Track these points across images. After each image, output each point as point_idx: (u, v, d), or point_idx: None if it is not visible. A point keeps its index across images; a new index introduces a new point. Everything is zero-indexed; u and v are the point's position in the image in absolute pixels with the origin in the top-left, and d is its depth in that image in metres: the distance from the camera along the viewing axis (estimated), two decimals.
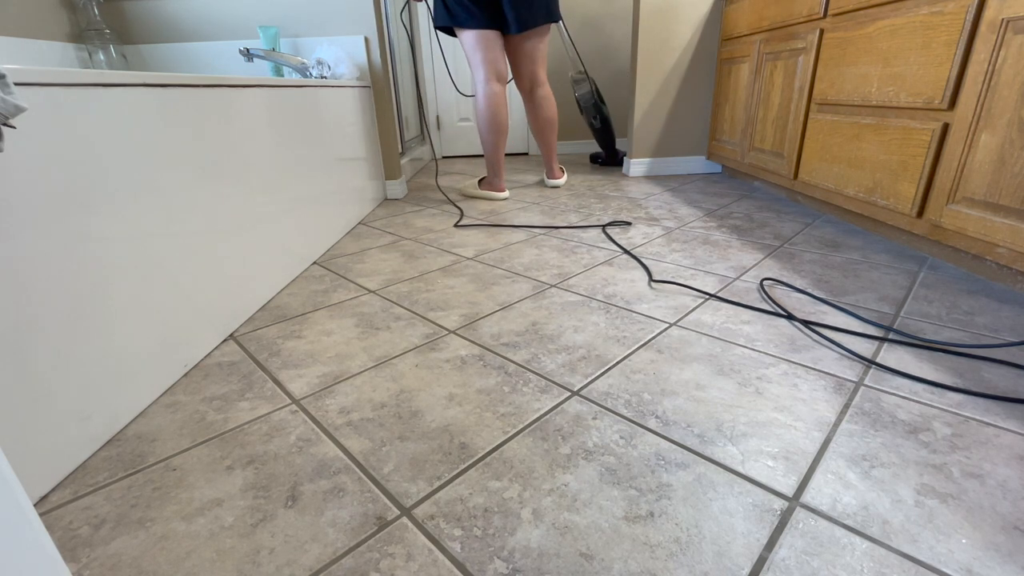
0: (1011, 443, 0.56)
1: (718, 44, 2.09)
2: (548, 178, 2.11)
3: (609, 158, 2.64)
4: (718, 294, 0.97)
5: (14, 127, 0.51)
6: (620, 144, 3.27)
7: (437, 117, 3.21)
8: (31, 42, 1.50)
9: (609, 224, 1.49)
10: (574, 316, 0.91)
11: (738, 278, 1.05)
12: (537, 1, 1.69)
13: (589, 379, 0.71)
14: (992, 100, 0.89)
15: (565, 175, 2.13)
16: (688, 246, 1.27)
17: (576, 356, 0.78)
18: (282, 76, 1.59)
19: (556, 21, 1.78)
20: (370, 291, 1.06)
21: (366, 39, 1.79)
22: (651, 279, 1.06)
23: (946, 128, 1.00)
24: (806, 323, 0.83)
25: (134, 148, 0.68)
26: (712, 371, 0.72)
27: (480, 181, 1.99)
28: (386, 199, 2.01)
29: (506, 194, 1.92)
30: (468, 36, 1.71)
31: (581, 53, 3.03)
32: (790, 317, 0.86)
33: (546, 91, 1.89)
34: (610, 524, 0.48)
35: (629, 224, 1.49)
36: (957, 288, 0.96)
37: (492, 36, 1.72)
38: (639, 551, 0.45)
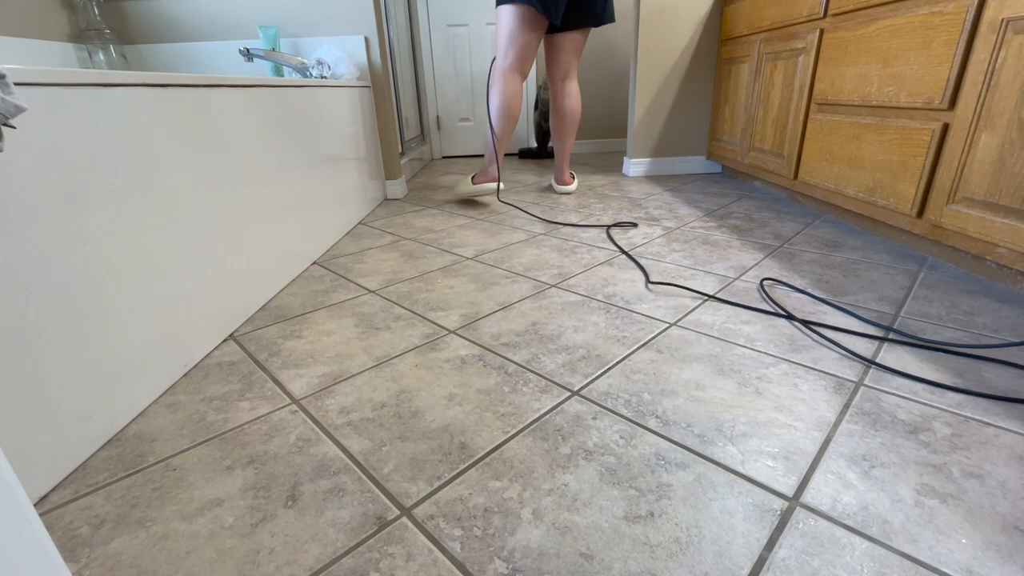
0: (1011, 443, 0.56)
1: (718, 44, 2.09)
2: (556, 183, 1.98)
3: (540, 151, 2.91)
4: (717, 295, 0.97)
5: (14, 127, 0.51)
6: (617, 145, 3.27)
7: (437, 117, 3.21)
8: (31, 42, 1.50)
9: (614, 225, 1.48)
10: (574, 316, 0.91)
11: (738, 278, 1.05)
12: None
13: (589, 379, 0.71)
14: (992, 100, 0.89)
15: (576, 181, 2.00)
16: (688, 246, 1.27)
17: (576, 356, 0.78)
18: (282, 76, 1.59)
19: (611, 22, 1.78)
20: (370, 291, 1.06)
21: (366, 39, 1.79)
22: (648, 281, 1.06)
23: (946, 128, 1.00)
24: (806, 323, 0.83)
25: (134, 148, 0.68)
26: (712, 371, 0.72)
27: (473, 178, 1.85)
28: (386, 199, 2.01)
29: (501, 185, 1.83)
30: (516, 14, 1.62)
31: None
32: (790, 317, 0.86)
33: (576, 85, 1.86)
34: (610, 524, 0.48)
35: (635, 225, 1.48)
36: (957, 288, 0.96)
37: (539, 27, 1.65)
38: (639, 551, 0.45)
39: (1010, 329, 0.80)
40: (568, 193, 1.97)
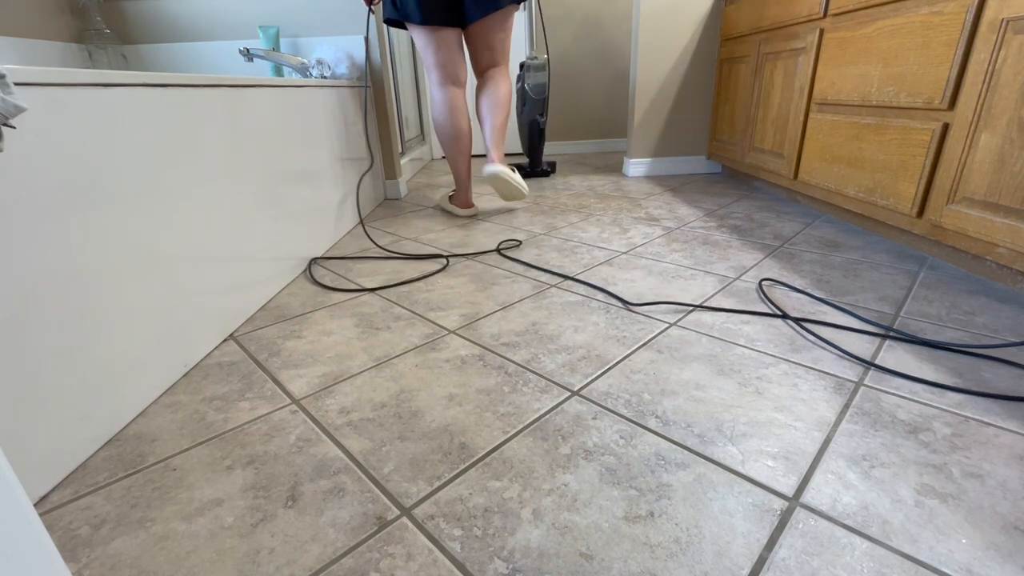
0: (1011, 443, 0.56)
1: (718, 44, 2.09)
2: (486, 163, 1.58)
3: (532, 167, 2.30)
4: (704, 303, 0.97)
5: (14, 127, 0.51)
6: (617, 145, 3.27)
7: None
8: (31, 42, 1.50)
9: (504, 243, 1.35)
10: (574, 316, 0.91)
11: (738, 278, 1.05)
12: None
13: (589, 379, 0.71)
14: (992, 100, 0.89)
15: (511, 172, 1.59)
16: (688, 246, 1.27)
17: (576, 356, 0.78)
18: (282, 76, 1.59)
19: (517, 2, 1.47)
20: (370, 291, 1.06)
21: (366, 39, 1.79)
22: (628, 305, 0.94)
23: (946, 128, 1.00)
24: (799, 321, 0.83)
25: (134, 148, 0.68)
26: (712, 371, 0.72)
27: (451, 194, 1.73)
28: (386, 199, 2.01)
29: (473, 210, 1.67)
30: (418, 33, 1.47)
31: (581, 52, 3.02)
32: (785, 317, 0.85)
33: (502, 71, 1.57)
34: (610, 524, 0.48)
35: (519, 243, 1.35)
36: (957, 288, 0.96)
37: (446, 34, 1.46)
38: (639, 551, 0.45)
39: (1010, 329, 0.80)
40: (494, 174, 1.55)
